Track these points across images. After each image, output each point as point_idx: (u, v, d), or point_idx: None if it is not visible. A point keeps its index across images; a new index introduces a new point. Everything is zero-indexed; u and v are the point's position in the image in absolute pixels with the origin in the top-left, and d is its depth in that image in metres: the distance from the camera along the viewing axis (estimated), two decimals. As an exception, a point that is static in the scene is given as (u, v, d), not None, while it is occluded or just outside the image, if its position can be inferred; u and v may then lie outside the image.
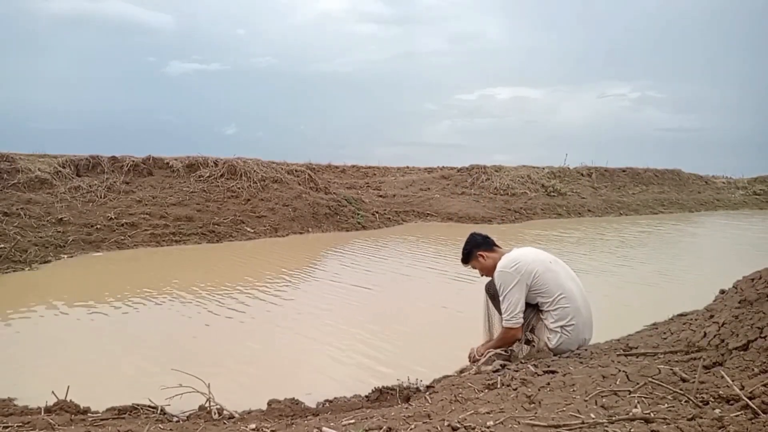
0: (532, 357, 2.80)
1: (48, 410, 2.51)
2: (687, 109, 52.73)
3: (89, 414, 2.53)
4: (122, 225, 8.42)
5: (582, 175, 17.81)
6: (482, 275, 3.17)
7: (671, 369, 1.88)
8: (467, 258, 3.16)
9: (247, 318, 4.59)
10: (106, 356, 3.65)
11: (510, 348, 2.97)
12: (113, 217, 8.54)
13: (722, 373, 1.73)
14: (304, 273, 6.50)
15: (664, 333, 2.75)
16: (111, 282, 5.86)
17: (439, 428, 1.67)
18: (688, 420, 1.47)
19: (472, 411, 1.85)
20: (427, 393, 2.51)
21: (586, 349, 2.83)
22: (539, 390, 1.99)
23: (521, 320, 2.85)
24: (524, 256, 2.93)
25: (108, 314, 4.60)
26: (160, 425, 2.24)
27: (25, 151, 10.88)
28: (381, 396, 2.83)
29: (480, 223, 12.22)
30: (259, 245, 8.74)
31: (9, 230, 7.17)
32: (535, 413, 1.72)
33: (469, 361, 3.08)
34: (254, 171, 10.82)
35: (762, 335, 1.95)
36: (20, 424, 2.22)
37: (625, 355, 2.40)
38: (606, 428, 1.49)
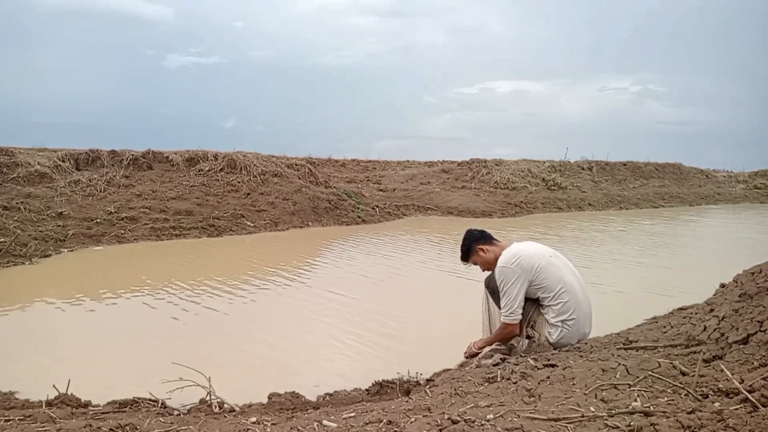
0: (532, 351, 2.81)
1: (49, 404, 2.52)
2: (688, 103, 52.46)
3: (90, 407, 2.54)
4: (122, 219, 8.42)
5: (582, 168, 17.76)
6: (483, 270, 3.13)
7: (671, 362, 1.88)
8: (467, 254, 3.12)
9: (247, 312, 4.59)
10: (106, 350, 3.66)
11: (510, 342, 2.97)
12: (113, 211, 8.54)
13: (722, 366, 1.73)
14: (304, 267, 6.51)
15: (664, 327, 2.75)
16: (111, 276, 5.87)
17: (439, 421, 1.67)
18: (688, 413, 1.47)
19: (472, 404, 1.85)
20: (428, 386, 2.51)
21: (586, 343, 2.83)
22: (539, 383, 1.99)
23: (520, 316, 2.84)
24: (525, 251, 2.91)
25: (108, 308, 4.61)
26: (160, 419, 2.24)
27: (24, 145, 10.83)
28: (381, 389, 2.84)
29: (480, 217, 12.22)
30: (259, 239, 8.75)
31: (9, 224, 7.18)
32: (535, 407, 1.72)
33: (465, 356, 3.07)
34: (254, 165, 10.81)
35: (762, 329, 1.95)
36: (21, 417, 2.23)
37: (625, 349, 2.40)
38: (606, 421, 1.50)
